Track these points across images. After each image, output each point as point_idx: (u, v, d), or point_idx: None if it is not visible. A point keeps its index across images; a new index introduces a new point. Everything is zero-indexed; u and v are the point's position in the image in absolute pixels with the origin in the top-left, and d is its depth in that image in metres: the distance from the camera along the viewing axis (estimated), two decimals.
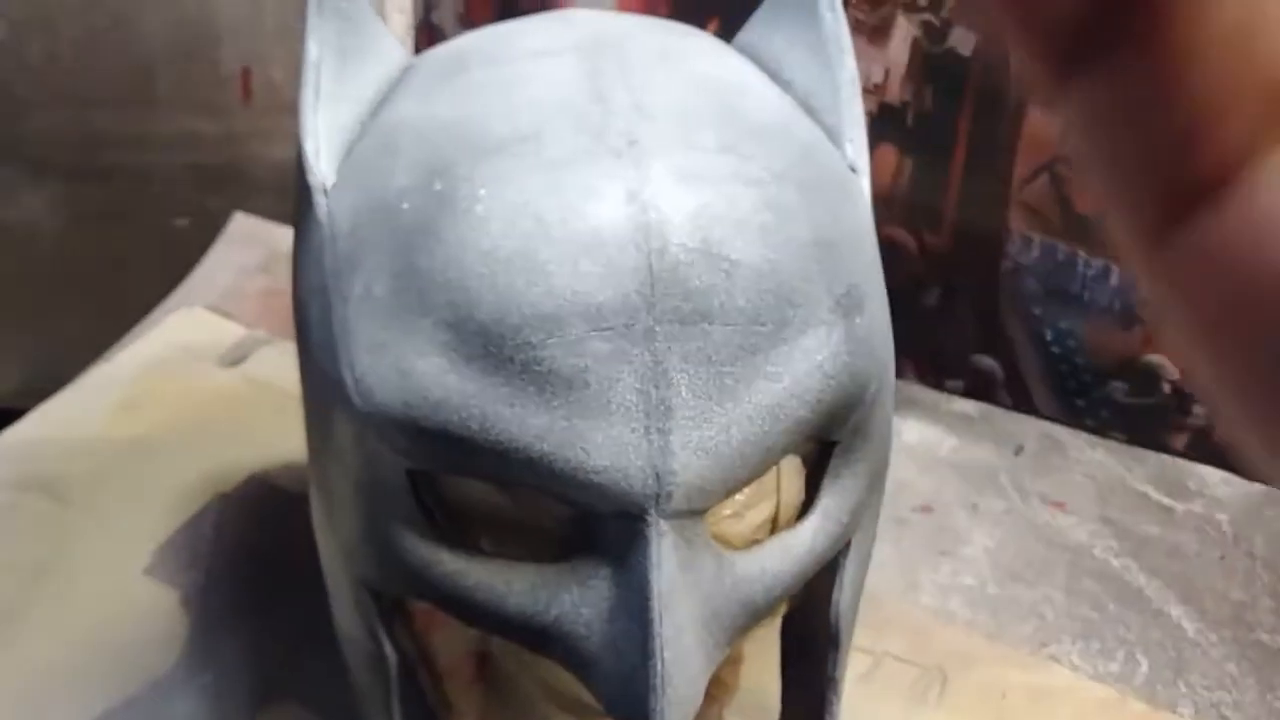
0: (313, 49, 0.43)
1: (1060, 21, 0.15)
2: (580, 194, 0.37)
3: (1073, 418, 0.76)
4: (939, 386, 0.79)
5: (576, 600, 0.37)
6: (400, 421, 0.37)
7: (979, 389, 0.79)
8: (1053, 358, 0.77)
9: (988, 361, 0.79)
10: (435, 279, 0.37)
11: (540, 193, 0.37)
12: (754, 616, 0.39)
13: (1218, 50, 0.14)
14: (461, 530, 0.40)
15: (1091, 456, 0.73)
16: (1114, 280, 0.73)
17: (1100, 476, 0.71)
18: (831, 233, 0.40)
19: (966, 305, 0.79)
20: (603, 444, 0.36)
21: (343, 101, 0.43)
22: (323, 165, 0.42)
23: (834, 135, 0.44)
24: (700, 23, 0.47)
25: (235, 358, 0.76)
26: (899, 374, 0.45)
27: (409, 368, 0.37)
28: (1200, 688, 0.59)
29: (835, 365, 0.39)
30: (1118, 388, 0.75)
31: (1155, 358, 0.74)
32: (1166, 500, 0.70)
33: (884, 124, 0.76)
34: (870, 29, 0.75)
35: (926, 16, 0.74)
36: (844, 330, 0.39)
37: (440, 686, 0.46)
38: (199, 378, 0.74)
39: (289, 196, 0.45)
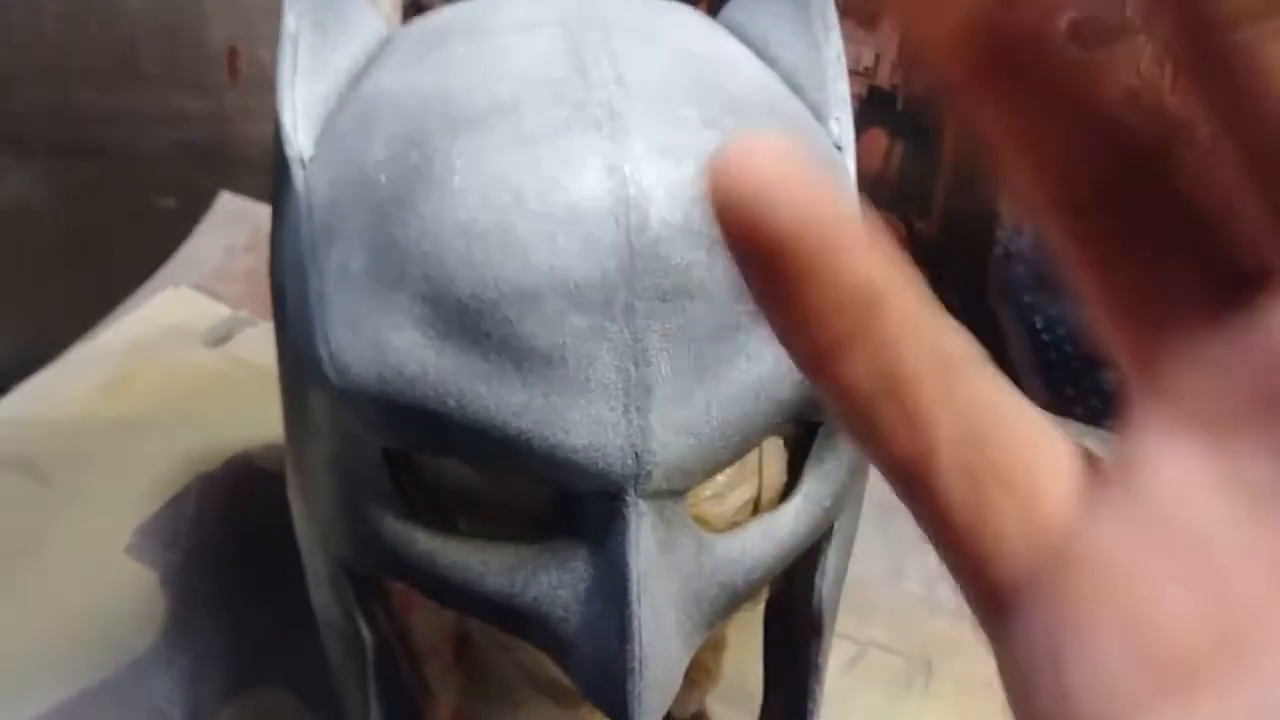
0: (290, 21, 0.42)
1: None
2: (559, 167, 0.36)
3: (1062, 406, 0.76)
4: None
5: (554, 581, 0.37)
6: (375, 398, 0.37)
7: None
8: (1042, 346, 0.77)
9: None
10: (411, 252, 0.36)
11: (518, 165, 0.36)
12: (734, 599, 0.39)
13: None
14: (438, 510, 0.40)
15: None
16: None
17: None
18: None
19: (955, 292, 0.79)
20: (580, 422, 0.35)
21: (321, 74, 0.42)
22: (300, 138, 0.41)
23: (819, 113, 0.43)
24: None
25: (219, 338, 0.76)
26: None
27: (384, 342, 0.36)
28: None
29: None
30: (1107, 376, 0.75)
31: None
32: None
33: (874, 108, 0.76)
34: (861, 12, 0.75)
35: None
36: None
37: (418, 668, 0.46)
38: (183, 358, 0.74)
39: None
